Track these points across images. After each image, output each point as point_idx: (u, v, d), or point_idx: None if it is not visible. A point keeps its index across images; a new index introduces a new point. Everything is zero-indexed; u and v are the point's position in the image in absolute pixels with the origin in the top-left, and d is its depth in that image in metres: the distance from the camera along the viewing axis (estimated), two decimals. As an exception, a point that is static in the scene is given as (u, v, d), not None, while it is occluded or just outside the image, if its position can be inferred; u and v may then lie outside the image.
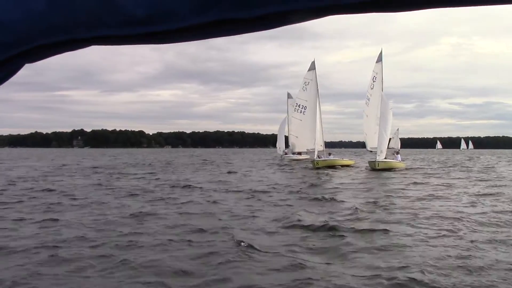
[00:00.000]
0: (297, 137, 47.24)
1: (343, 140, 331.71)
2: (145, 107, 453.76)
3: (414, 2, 0.58)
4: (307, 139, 43.21)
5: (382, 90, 37.58)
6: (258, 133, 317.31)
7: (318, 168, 36.04)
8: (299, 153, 51.31)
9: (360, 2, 0.58)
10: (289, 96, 59.35)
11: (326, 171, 33.36)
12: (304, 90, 45.56)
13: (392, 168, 34.18)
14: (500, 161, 62.20)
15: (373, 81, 38.66)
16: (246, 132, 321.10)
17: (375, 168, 33.10)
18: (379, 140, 32.93)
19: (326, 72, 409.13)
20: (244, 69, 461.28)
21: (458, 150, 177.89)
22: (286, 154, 56.20)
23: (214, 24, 0.63)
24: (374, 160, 33.82)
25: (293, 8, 0.60)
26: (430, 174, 32.33)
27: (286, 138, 55.16)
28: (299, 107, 45.57)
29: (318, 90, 45.01)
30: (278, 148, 61.10)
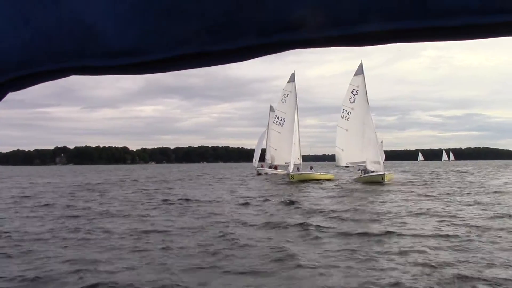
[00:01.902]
0: (276, 149, 47.09)
1: (326, 154, 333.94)
2: (128, 123, 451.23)
3: (381, 37, 0.60)
4: (286, 152, 42.51)
5: (368, 103, 36.97)
6: (242, 147, 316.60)
7: (292, 182, 34.99)
8: (275, 167, 49.86)
9: (328, 36, 0.60)
10: (271, 109, 56.62)
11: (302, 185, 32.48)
12: (283, 102, 45.59)
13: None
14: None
15: (353, 94, 37.80)
16: (230, 146, 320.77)
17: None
18: (373, 152, 33.94)
19: (308, 86, 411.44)
20: (226, 84, 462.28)
21: (439, 161, 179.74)
22: (262, 167, 53.21)
23: (194, 56, 0.65)
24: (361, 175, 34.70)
25: (267, 42, 0.62)
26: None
27: (264, 151, 53.28)
28: (278, 119, 45.61)
29: (296, 102, 44.74)
30: (254, 161, 57.89)
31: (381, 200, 21.00)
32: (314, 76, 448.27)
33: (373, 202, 20.34)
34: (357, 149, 35.50)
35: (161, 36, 0.63)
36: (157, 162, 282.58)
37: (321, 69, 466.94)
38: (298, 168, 39.37)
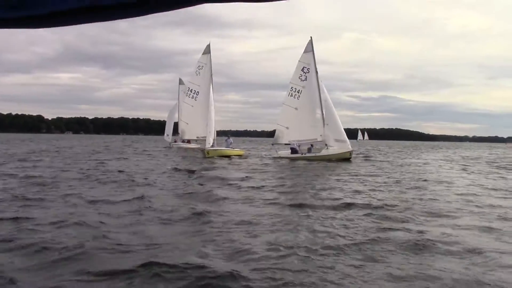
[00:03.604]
0: (187, 123, 45.75)
1: (248, 129, 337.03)
2: (43, 90, 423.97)
3: None
4: (199, 126, 41.59)
5: (318, 82, 36.47)
6: (164, 120, 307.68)
7: (208, 158, 34.37)
8: (188, 141, 49.05)
9: None
10: (180, 82, 56.17)
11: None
12: (197, 75, 44.22)
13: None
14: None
15: (304, 72, 36.76)
16: (151, 119, 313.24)
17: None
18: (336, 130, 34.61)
19: (233, 62, 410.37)
20: (148, 55, 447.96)
21: (355, 140, 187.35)
22: (175, 142, 52.35)
23: (88, 10, 0.61)
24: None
25: None
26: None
27: (176, 125, 52.16)
28: (191, 92, 44.18)
29: (211, 75, 43.57)
30: (166, 135, 56.54)
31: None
32: (238, 52, 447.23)
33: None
34: (306, 128, 35.44)
35: None
36: (74, 132, 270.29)
37: (246, 45, 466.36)
38: (212, 144, 38.92)
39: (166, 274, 6.48)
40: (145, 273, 6.51)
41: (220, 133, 50.87)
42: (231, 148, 39.18)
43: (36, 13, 0.62)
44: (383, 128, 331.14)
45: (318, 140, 36.11)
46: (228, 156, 35.89)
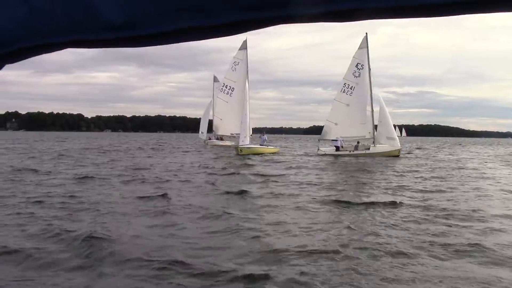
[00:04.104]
0: (221, 119, 45.12)
1: (283, 126, 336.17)
2: (81, 89, 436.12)
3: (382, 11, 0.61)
4: (232, 123, 40.99)
5: (370, 79, 36.31)
6: (200, 118, 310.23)
7: (241, 155, 33.34)
8: (221, 138, 48.44)
9: (316, 14, 0.61)
10: (215, 79, 55.64)
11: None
12: (233, 71, 43.59)
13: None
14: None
15: (358, 69, 36.25)
16: (188, 117, 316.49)
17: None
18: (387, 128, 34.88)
19: (267, 58, 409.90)
20: (183, 53, 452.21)
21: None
22: (210, 139, 51.56)
23: (183, 31, 0.68)
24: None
25: (248, 18, 0.65)
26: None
27: (211, 122, 51.38)
28: (226, 87, 43.56)
29: (247, 71, 43.02)
30: (200, 133, 56.52)
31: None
32: (272, 48, 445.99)
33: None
34: (356, 124, 35.13)
35: (156, 10, 0.65)
36: (112, 130, 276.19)
37: (279, 41, 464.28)
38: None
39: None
40: (177, 271, 6.23)
41: (255, 130, 50.60)
42: (266, 145, 38.32)
43: (139, 33, 0.67)
44: (422, 124, 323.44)
45: (367, 137, 35.78)
46: (262, 154, 34.93)
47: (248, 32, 0.68)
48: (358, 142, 35.42)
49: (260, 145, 37.85)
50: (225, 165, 25.36)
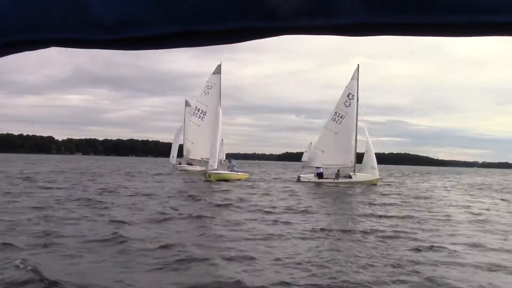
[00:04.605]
0: (193, 143, 44.59)
1: (256, 152, 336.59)
2: (54, 111, 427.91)
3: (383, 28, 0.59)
4: (203, 147, 40.33)
5: (358, 108, 36.96)
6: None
7: (209, 181, 32.40)
8: (190, 163, 47.90)
9: (327, 26, 0.60)
10: (187, 103, 55.28)
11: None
12: (206, 94, 43.35)
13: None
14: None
15: (349, 98, 36.94)
16: (160, 141, 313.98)
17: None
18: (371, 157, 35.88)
19: (242, 85, 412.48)
20: (157, 77, 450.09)
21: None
22: (180, 164, 51.04)
23: (178, 35, 0.64)
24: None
25: (252, 26, 0.62)
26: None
27: (181, 147, 50.78)
28: (198, 111, 43.18)
29: (220, 96, 42.74)
30: (171, 157, 55.95)
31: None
32: (247, 75, 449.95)
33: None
34: (341, 153, 35.58)
35: (152, 11, 0.62)
36: (84, 154, 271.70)
37: (254, 69, 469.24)
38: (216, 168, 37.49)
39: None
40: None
41: (228, 156, 50.14)
42: (235, 171, 37.52)
43: (130, 36, 0.64)
44: (392, 153, 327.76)
45: (348, 165, 36.21)
46: (228, 180, 33.92)
47: (246, 41, 0.64)
48: (338, 170, 35.74)
49: (230, 171, 37.30)
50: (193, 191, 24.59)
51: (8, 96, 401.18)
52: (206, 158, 37.92)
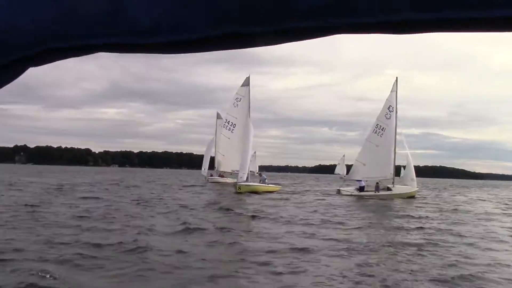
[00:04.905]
0: (224, 155, 45.02)
1: (289, 165, 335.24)
2: (90, 124, 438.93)
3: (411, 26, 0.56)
4: (234, 159, 40.41)
5: (396, 120, 37.38)
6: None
7: (239, 193, 32.67)
8: (222, 175, 48.26)
9: (371, 23, 0.57)
10: (218, 116, 55.71)
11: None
12: (235, 106, 43.64)
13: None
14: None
15: (389, 111, 37.39)
16: (194, 153, 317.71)
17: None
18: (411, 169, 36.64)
19: (274, 98, 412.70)
20: (191, 91, 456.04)
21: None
22: (211, 176, 51.12)
23: (223, 37, 0.62)
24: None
25: (306, 25, 0.59)
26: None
27: (213, 159, 51.43)
28: (228, 123, 43.64)
29: (249, 108, 42.97)
30: (203, 169, 56.43)
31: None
32: (279, 88, 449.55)
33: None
34: (382, 165, 35.89)
35: (196, 14, 0.61)
36: (119, 165, 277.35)
37: (285, 81, 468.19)
38: (247, 178, 37.18)
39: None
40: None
41: (261, 168, 50.27)
42: (266, 184, 37.81)
43: (166, 40, 0.63)
44: (427, 166, 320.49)
45: (388, 178, 36.40)
46: (259, 192, 34.17)
47: (290, 42, 0.61)
48: (377, 183, 35.78)
49: (262, 183, 37.50)
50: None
51: (46, 110, 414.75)
52: (237, 170, 37.99)
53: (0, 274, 7.81)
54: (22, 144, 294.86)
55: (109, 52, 0.66)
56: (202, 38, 0.62)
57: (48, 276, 7.88)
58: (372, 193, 35.07)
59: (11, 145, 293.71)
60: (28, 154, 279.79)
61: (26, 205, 19.66)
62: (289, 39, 0.62)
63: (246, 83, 44.76)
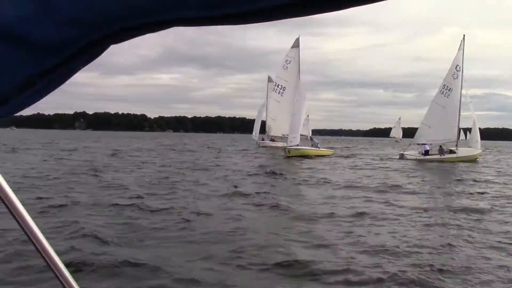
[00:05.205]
0: (273, 119, 44.37)
1: (342, 129, 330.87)
2: (145, 90, 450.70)
3: None
4: (285, 122, 39.48)
5: (462, 81, 36.08)
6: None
7: (290, 157, 32.19)
8: (273, 139, 47.58)
9: None
10: (269, 79, 54.25)
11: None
12: (284, 69, 42.55)
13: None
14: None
15: (457, 70, 35.93)
16: (247, 118, 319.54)
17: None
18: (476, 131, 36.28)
19: (327, 60, 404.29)
20: (243, 55, 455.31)
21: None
22: (263, 140, 50.64)
23: (299, 3, 0.61)
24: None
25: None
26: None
27: (264, 123, 50.52)
28: (278, 87, 42.70)
29: (299, 70, 41.80)
30: (253, 134, 55.80)
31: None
32: (332, 50, 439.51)
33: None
34: (449, 128, 34.94)
35: None
36: (174, 131, 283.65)
37: (339, 42, 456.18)
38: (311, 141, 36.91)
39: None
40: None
41: (314, 132, 49.41)
42: (317, 147, 37.04)
43: (230, 12, 0.63)
44: (489, 128, 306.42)
45: (452, 140, 35.41)
46: (310, 156, 33.47)
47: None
48: (440, 146, 34.67)
49: (313, 147, 36.76)
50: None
51: (102, 77, 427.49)
52: (287, 134, 37.00)
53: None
54: (81, 110, 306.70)
55: (185, 25, 0.68)
56: (279, 5, 0.61)
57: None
58: (437, 156, 33.86)
59: (71, 112, 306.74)
60: (87, 120, 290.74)
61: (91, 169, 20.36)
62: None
63: (296, 44, 43.41)
